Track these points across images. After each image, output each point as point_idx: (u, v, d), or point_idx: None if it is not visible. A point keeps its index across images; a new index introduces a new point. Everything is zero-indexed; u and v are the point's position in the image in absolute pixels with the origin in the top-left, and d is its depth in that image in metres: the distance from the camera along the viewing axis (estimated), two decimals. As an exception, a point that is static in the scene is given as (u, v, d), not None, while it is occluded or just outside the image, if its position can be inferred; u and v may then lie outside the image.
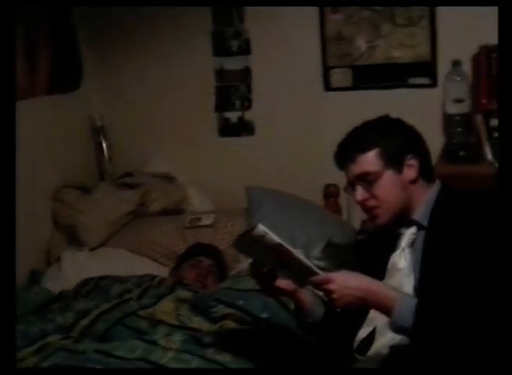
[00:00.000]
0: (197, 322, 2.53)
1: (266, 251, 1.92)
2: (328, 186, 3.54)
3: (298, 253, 1.93)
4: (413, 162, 2.10)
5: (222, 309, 2.54)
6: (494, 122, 3.14)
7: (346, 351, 2.10)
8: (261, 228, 1.87)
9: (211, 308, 2.56)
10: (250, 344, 2.37)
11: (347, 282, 1.90)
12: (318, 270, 1.93)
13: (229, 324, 2.49)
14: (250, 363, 2.26)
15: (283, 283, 2.08)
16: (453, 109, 3.25)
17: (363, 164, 2.08)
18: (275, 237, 1.88)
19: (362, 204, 2.11)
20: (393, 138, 2.10)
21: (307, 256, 2.99)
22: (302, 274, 1.95)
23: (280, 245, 1.89)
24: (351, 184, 2.13)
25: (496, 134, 3.12)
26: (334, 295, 1.89)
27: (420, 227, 2.08)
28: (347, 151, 2.12)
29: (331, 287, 1.89)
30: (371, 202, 2.10)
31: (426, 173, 2.13)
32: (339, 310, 1.95)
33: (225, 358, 2.25)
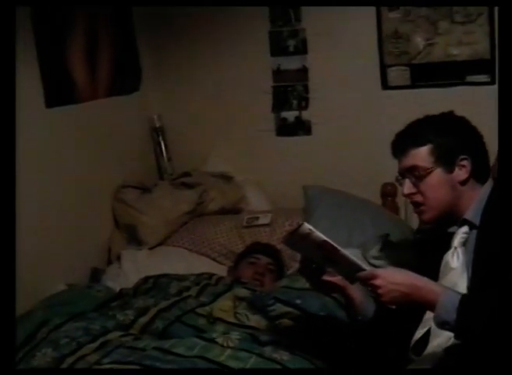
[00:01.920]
0: (255, 320, 2.55)
1: (314, 248, 1.95)
2: (385, 185, 3.52)
3: (344, 250, 1.95)
4: (465, 163, 2.09)
5: (279, 308, 2.55)
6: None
7: (402, 351, 2.10)
8: (306, 226, 1.90)
9: (268, 306, 2.57)
10: (308, 343, 2.37)
11: (393, 277, 1.90)
12: (364, 266, 1.95)
13: (287, 323, 2.50)
14: (307, 362, 2.26)
15: (331, 277, 2.10)
16: (513, 107, 3.19)
17: (414, 158, 2.10)
18: (320, 235, 1.91)
19: (408, 197, 2.12)
20: (449, 137, 2.10)
21: (365, 256, 3.00)
22: (350, 270, 1.98)
23: (326, 242, 1.92)
24: (402, 175, 2.15)
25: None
26: (380, 291, 1.91)
27: (472, 226, 2.07)
28: (402, 142, 2.15)
29: (377, 282, 1.91)
30: (417, 198, 2.12)
31: (479, 174, 2.12)
32: (391, 308, 1.95)
33: (283, 357, 2.25)
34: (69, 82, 3.27)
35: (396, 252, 2.95)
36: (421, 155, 2.10)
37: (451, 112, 2.21)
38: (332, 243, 1.93)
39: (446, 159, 2.09)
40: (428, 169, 2.09)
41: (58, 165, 3.16)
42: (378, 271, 1.94)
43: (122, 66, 3.69)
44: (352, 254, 2.00)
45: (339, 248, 1.94)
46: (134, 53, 3.84)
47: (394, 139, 2.19)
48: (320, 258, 2.02)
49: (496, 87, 3.34)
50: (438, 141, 2.09)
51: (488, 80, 3.40)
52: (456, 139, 2.11)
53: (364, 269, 1.95)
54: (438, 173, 2.09)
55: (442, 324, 1.87)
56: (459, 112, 2.23)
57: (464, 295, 1.88)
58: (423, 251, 2.29)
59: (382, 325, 2.19)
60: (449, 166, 2.09)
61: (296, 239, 1.95)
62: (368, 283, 1.94)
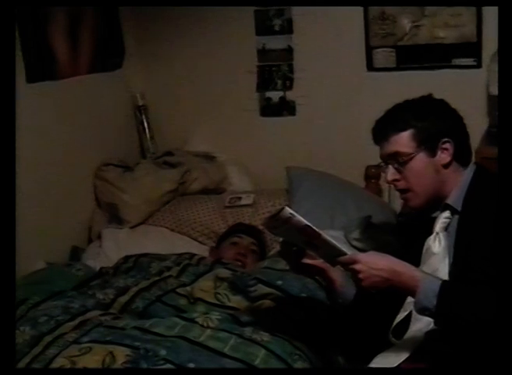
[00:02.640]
0: (236, 301, 2.53)
1: (295, 232, 1.94)
2: (369, 167, 3.51)
3: (325, 234, 1.93)
4: (447, 145, 2.08)
5: (260, 289, 2.54)
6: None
7: (382, 334, 2.10)
8: (287, 210, 1.88)
9: (249, 287, 2.56)
10: (288, 324, 2.36)
11: (373, 263, 1.90)
12: (345, 250, 1.94)
13: (268, 304, 2.49)
14: (287, 343, 2.26)
15: (311, 260, 2.09)
16: (497, 90, 3.18)
17: (396, 144, 2.09)
18: (301, 219, 1.89)
19: (392, 184, 2.11)
20: (430, 121, 2.09)
21: (347, 237, 2.99)
22: (331, 254, 1.97)
23: (307, 227, 1.90)
24: (384, 162, 2.14)
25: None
26: (360, 275, 1.90)
27: (454, 211, 2.06)
28: (383, 129, 2.13)
29: (357, 267, 1.90)
30: (402, 185, 2.10)
31: (461, 157, 2.11)
32: (371, 292, 1.95)
33: (263, 338, 2.24)
34: (50, 57, 3.22)
35: (378, 235, 2.95)
36: (403, 140, 2.08)
37: (430, 95, 2.19)
38: (314, 227, 1.91)
39: (428, 143, 2.07)
40: (411, 154, 2.07)
41: (39, 141, 3.12)
42: (359, 256, 1.93)
43: (104, 42, 3.65)
44: (334, 236, 2.00)
45: (320, 232, 1.93)
46: (117, 30, 3.80)
47: (374, 126, 2.17)
48: (301, 242, 2.01)
49: (481, 70, 3.33)
50: (419, 125, 2.08)
51: (474, 63, 3.40)
52: (437, 122, 2.10)
53: (345, 254, 1.94)
54: (421, 158, 2.07)
55: (423, 310, 1.87)
56: (444, 95, 2.21)
57: (444, 282, 1.88)
58: (405, 235, 2.29)
59: (362, 308, 2.19)
60: (432, 150, 2.08)
61: (277, 223, 1.94)
62: (348, 267, 1.93)
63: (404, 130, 2.08)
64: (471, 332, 1.85)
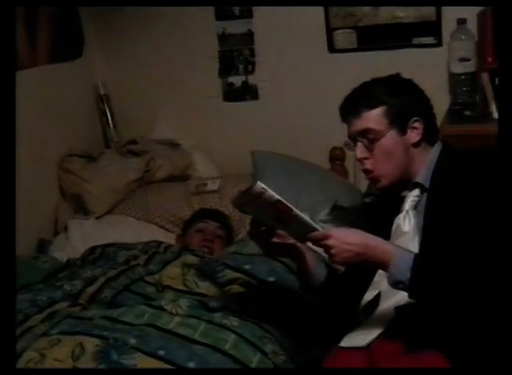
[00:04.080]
0: (204, 287, 2.54)
1: (266, 208, 1.91)
2: (334, 149, 3.52)
3: (297, 210, 1.91)
4: (417, 124, 2.08)
5: (228, 274, 2.54)
6: (500, 80, 3.10)
7: (352, 314, 2.11)
8: (260, 185, 1.86)
9: (217, 272, 2.56)
10: (257, 309, 2.37)
11: (345, 238, 1.89)
12: (317, 226, 1.93)
13: (236, 288, 2.50)
14: (257, 327, 2.26)
15: (281, 240, 2.07)
16: (459, 68, 3.21)
17: (367, 121, 2.06)
18: (273, 194, 1.87)
19: (361, 162, 2.10)
20: (402, 99, 2.08)
21: (313, 220, 2.99)
22: (302, 231, 1.95)
23: (279, 202, 1.88)
24: (353, 139, 2.12)
25: (502, 93, 3.08)
26: (332, 251, 1.89)
27: (423, 189, 2.07)
28: (353, 105, 2.10)
29: (329, 242, 1.88)
30: (369, 164, 2.08)
31: (430, 136, 2.11)
32: (341, 273, 1.95)
33: (232, 323, 2.25)
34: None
35: (345, 216, 2.97)
36: (375, 116, 2.05)
37: (398, 75, 2.19)
38: (286, 202, 1.89)
39: (399, 121, 2.06)
40: (382, 131, 2.05)
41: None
42: (331, 231, 1.91)
43: (63, 32, 3.60)
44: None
45: (292, 207, 1.90)
46: (75, 19, 3.75)
47: (343, 102, 2.13)
48: (271, 219, 1.98)
49: (442, 48, 3.35)
50: (391, 102, 2.06)
51: (435, 42, 3.40)
52: (409, 101, 2.09)
53: (316, 229, 1.92)
54: (391, 135, 2.06)
55: (396, 284, 1.87)
56: (406, 75, 2.21)
57: (417, 255, 1.89)
58: (372, 215, 2.28)
59: (333, 289, 2.18)
60: (403, 128, 2.06)
61: (248, 199, 1.91)
62: (320, 243, 1.92)
63: (376, 106, 2.06)
64: (444, 305, 1.86)
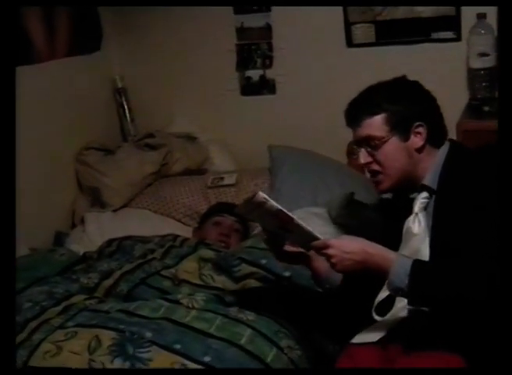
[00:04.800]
0: (220, 281, 2.54)
1: (268, 217, 1.95)
2: (351, 144, 3.50)
3: (298, 219, 1.94)
4: (420, 129, 2.07)
5: (244, 268, 2.54)
6: (519, 76, 3.07)
7: (366, 312, 2.11)
8: (261, 195, 1.89)
9: (233, 267, 2.56)
10: (273, 303, 2.37)
11: (345, 246, 1.90)
12: (318, 235, 1.95)
13: (252, 283, 2.50)
14: (273, 321, 2.26)
15: (293, 247, 2.09)
16: (478, 64, 3.19)
17: (368, 128, 2.07)
18: (274, 204, 1.90)
19: (365, 166, 2.10)
20: (403, 105, 2.07)
21: (330, 214, 2.99)
22: (304, 239, 1.98)
23: (280, 211, 1.91)
24: (357, 145, 2.13)
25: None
26: (333, 260, 1.91)
27: (431, 191, 2.06)
28: (355, 112, 2.11)
29: (330, 252, 1.91)
30: (374, 167, 2.09)
31: (435, 139, 2.10)
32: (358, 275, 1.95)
33: (248, 317, 2.25)
34: (26, 41, 3.18)
35: (361, 211, 2.95)
36: (375, 124, 2.06)
37: (403, 77, 2.18)
38: (286, 212, 1.92)
39: (401, 127, 2.05)
40: (383, 138, 2.05)
41: (18, 127, 3.07)
42: (331, 241, 1.93)
43: (81, 25, 3.61)
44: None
45: (293, 216, 1.93)
46: (94, 12, 3.76)
47: (347, 109, 2.15)
48: (275, 227, 2.00)
49: (461, 43, 3.32)
50: (392, 108, 2.05)
51: (454, 36, 3.37)
52: (411, 106, 2.08)
53: (317, 238, 1.94)
54: (393, 142, 2.05)
55: (396, 290, 1.89)
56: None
57: (415, 261, 1.88)
58: (387, 213, 2.28)
59: (349, 291, 2.18)
60: (405, 134, 2.06)
61: (251, 207, 1.94)
62: (321, 252, 1.94)
63: (377, 113, 2.06)
64: (447, 310, 1.85)
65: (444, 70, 3.31)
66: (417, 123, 2.06)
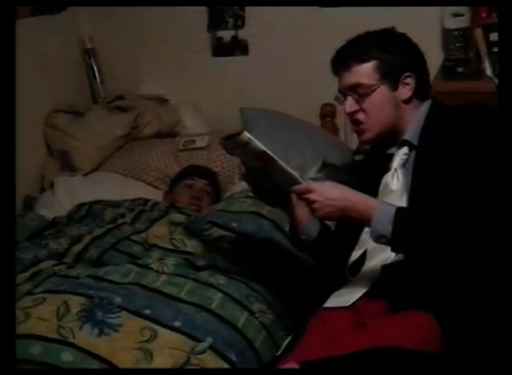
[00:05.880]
0: (191, 245, 2.51)
1: (252, 157, 1.90)
2: (324, 105, 3.48)
3: (282, 161, 1.89)
4: (409, 80, 2.05)
5: (215, 232, 2.52)
6: (494, 36, 3.05)
7: (340, 272, 2.09)
8: (246, 135, 1.84)
9: (204, 230, 2.54)
10: (245, 267, 2.35)
11: (328, 192, 1.88)
12: (300, 179, 1.92)
13: (223, 246, 2.48)
14: (244, 285, 2.25)
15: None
16: (452, 24, 3.15)
17: (358, 75, 2.03)
18: (259, 144, 1.85)
19: (350, 115, 2.07)
20: (394, 53, 2.04)
21: (303, 177, 2.96)
22: (286, 183, 1.94)
23: (264, 152, 1.86)
24: (342, 93, 2.09)
25: (495, 49, 3.03)
26: (315, 205, 1.89)
27: (411, 147, 2.04)
28: (344, 58, 2.06)
29: (312, 196, 1.88)
30: (360, 116, 2.06)
31: (421, 92, 2.08)
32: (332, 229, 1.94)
33: (219, 281, 2.24)
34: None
35: (335, 174, 2.94)
36: (366, 71, 2.02)
37: (392, 29, 2.14)
38: (271, 153, 1.87)
39: (391, 76, 2.03)
40: (373, 86, 2.02)
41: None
42: (314, 185, 1.91)
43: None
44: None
45: (277, 158, 1.88)
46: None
47: (335, 55, 2.10)
48: (258, 168, 1.96)
49: (437, 8, 3.28)
50: (383, 56, 2.02)
51: (430, -1, 3.33)
52: (400, 55, 2.05)
53: (300, 182, 1.91)
54: (382, 91, 2.03)
55: (379, 238, 1.87)
56: (399, 29, 2.16)
57: (398, 208, 1.87)
58: (362, 173, 2.27)
59: (323, 246, 2.16)
60: (394, 84, 2.04)
61: (234, 146, 1.89)
62: (303, 197, 1.91)
63: (367, 60, 2.02)
64: (430, 263, 1.84)
65: (418, 31, 3.17)
66: (407, 74, 2.04)
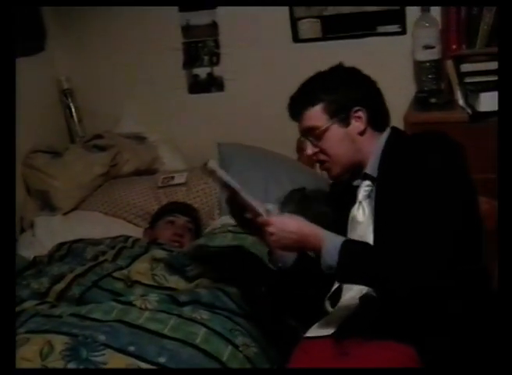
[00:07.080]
0: (173, 281, 2.52)
1: (220, 186, 1.94)
2: (300, 139, 3.51)
3: (245, 193, 1.94)
4: (360, 114, 2.10)
5: (197, 267, 2.53)
6: (464, 67, 3.12)
7: (319, 300, 2.12)
8: (212, 164, 1.89)
9: (186, 266, 2.55)
10: (227, 301, 2.36)
11: (284, 225, 1.93)
12: (261, 211, 1.96)
13: (205, 282, 2.49)
14: (227, 319, 2.26)
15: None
16: (423, 56, 3.21)
17: (309, 119, 2.11)
18: (223, 175, 1.89)
19: (313, 157, 2.13)
20: (339, 92, 2.10)
21: (282, 210, 2.98)
22: (251, 214, 1.99)
23: (227, 183, 1.89)
24: (303, 137, 2.17)
25: (467, 80, 3.10)
26: (272, 238, 1.94)
27: (373, 179, 2.08)
28: (296, 105, 2.15)
29: (270, 229, 1.94)
30: (321, 156, 2.12)
31: (377, 122, 2.13)
32: (311, 258, 1.96)
33: (202, 316, 2.25)
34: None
35: (313, 206, 2.95)
36: (315, 114, 2.09)
37: (340, 65, 2.20)
38: (233, 185, 1.92)
39: (339, 114, 2.08)
40: (324, 127, 2.08)
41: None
42: (272, 219, 1.95)
43: (24, 26, 3.52)
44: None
45: (238, 190, 1.94)
46: (36, 13, 3.69)
47: (288, 103, 2.18)
48: (227, 197, 2.00)
49: (406, 36, 3.34)
50: (328, 97, 2.08)
51: (399, 30, 3.39)
52: (347, 92, 2.10)
53: (260, 214, 1.96)
54: (334, 129, 2.09)
55: (328, 268, 1.90)
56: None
57: (346, 240, 1.92)
58: (336, 205, 2.30)
59: (301, 274, 2.18)
60: (345, 120, 2.09)
61: (205, 173, 1.96)
62: (263, 229, 1.96)
63: (315, 104, 2.09)
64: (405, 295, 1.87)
65: (391, 64, 3.33)
66: (356, 108, 2.09)
